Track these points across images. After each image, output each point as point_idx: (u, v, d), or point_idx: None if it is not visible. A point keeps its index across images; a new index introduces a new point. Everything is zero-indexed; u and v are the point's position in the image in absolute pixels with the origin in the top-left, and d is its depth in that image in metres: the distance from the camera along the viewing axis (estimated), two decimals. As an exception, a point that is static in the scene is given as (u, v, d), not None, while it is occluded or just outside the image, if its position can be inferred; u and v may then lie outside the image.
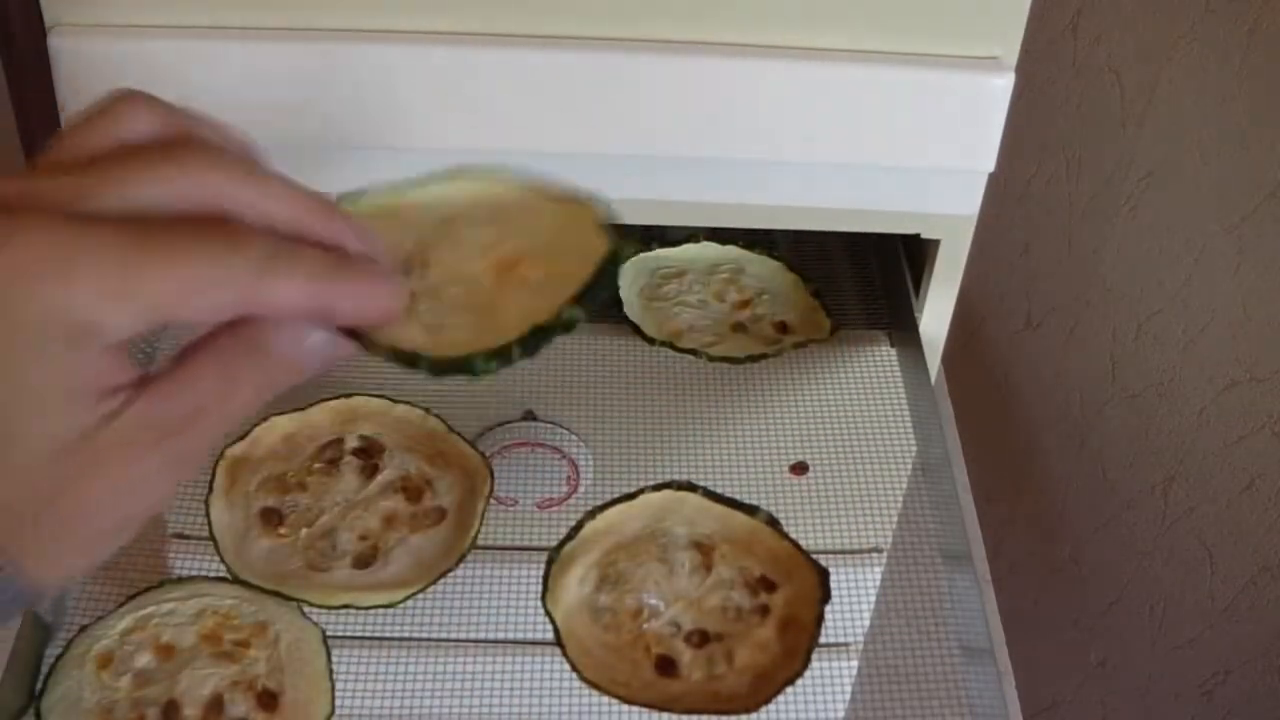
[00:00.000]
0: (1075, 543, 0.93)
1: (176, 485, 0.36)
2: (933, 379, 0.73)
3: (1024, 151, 0.95)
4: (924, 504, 0.64)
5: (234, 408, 0.36)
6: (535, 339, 0.39)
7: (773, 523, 0.61)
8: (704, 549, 0.60)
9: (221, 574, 0.58)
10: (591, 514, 0.61)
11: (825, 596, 0.58)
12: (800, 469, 0.65)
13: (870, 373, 0.71)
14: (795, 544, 0.60)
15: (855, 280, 0.78)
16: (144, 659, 0.55)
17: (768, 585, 0.59)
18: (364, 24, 0.61)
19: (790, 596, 0.58)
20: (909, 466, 0.66)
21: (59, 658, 0.55)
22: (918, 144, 0.65)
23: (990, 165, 0.66)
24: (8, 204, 0.33)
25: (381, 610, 0.58)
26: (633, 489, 0.62)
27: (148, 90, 0.62)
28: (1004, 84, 0.64)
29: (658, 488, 0.62)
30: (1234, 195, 0.73)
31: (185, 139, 0.38)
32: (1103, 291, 0.88)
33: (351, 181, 0.66)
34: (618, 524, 0.61)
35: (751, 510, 0.62)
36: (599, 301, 0.41)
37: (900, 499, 0.64)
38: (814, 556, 0.60)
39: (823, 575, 0.59)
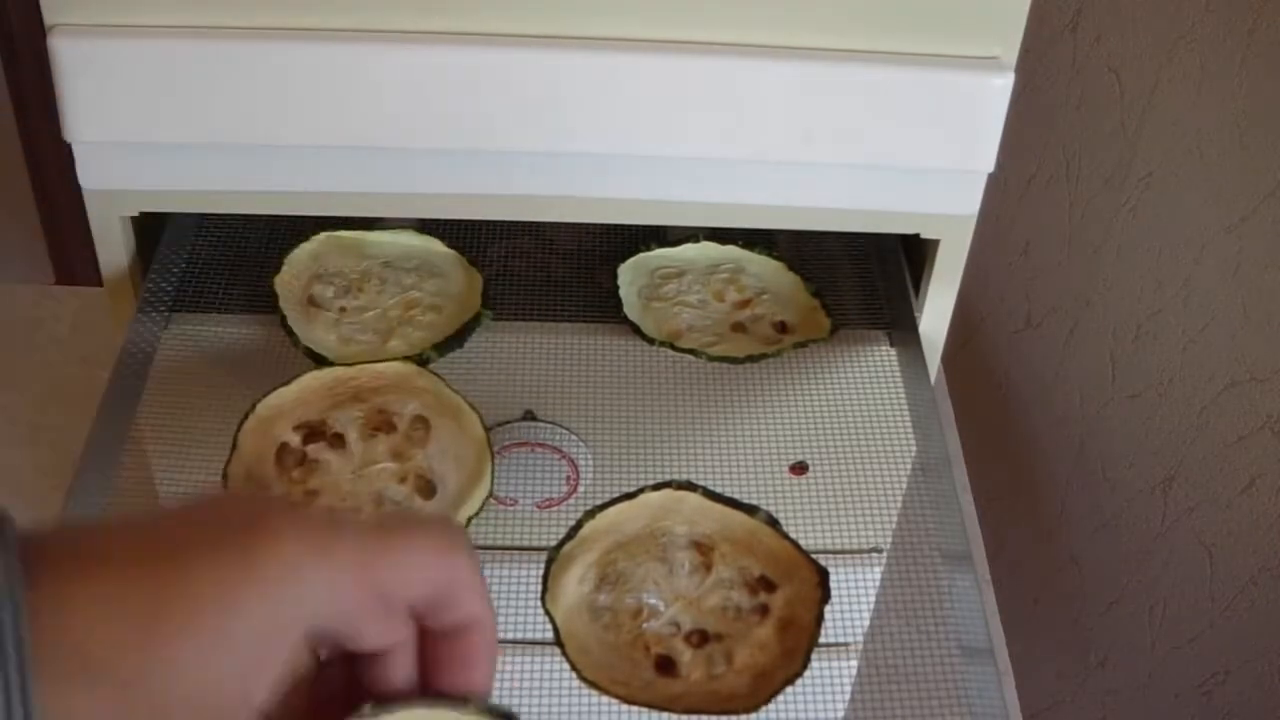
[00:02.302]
0: (1075, 543, 0.93)
1: None
2: (933, 379, 0.73)
3: (1024, 151, 0.95)
4: (924, 504, 0.64)
5: None
6: None
7: (772, 523, 0.61)
8: (703, 549, 0.60)
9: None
10: (591, 514, 0.61)
11: (825, 596, 0.58)
12: (800, 469, 0.65)
13: (870, 373, 0.71)
14: (795, 544, 0.60)
15: (855, 280, 0.78)
16: None
17: (767, 585, 0.59)
18: (364, 24, 0.61)
19: (790, 596, 0.58)
20: (909, 466, 0.66)
21: None
22: (917, 144, 0.65)
23: (990, 165, 0.66)
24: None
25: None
26: (633, 489, 0.62)
27: (148, 90, 0.62)
28: (1004, 84, 0.64)
29: (657, 487, 0.62)
30: (1234, 195, 0.73)
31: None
32: (1103, 291, 0.88)
33: (351, 181, 0.66)
34: (617, 524, 0.61)
35: (751, 510, 0.62)
36: None
37: (900, 499, 0.64)
38: (814, 556, 0.60)
39: (822, 575, 0.59)
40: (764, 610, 0.58)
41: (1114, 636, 0.89)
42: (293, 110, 0.62)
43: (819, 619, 0.57)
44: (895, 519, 0.64)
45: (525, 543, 0.61)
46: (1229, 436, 0.75)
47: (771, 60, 0.63)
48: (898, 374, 0.71)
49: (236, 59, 0.61)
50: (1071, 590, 0.94)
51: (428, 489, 0.61)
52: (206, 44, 0.60)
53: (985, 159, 0.66)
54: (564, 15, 0.62)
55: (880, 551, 0.62)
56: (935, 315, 0.73)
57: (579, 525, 0.61)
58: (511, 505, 0.63)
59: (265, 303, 0.69)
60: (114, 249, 0.67)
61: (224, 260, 0.75)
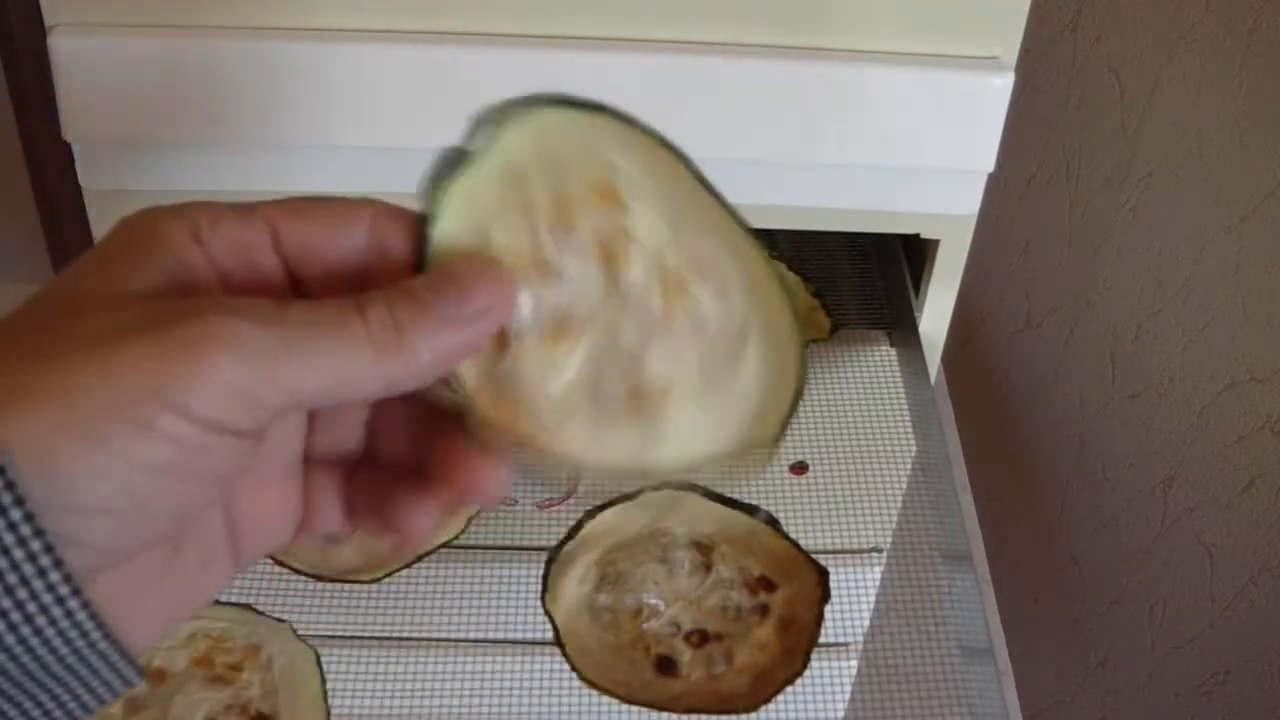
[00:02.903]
0: (1075, 543, 0.93)
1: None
2: (933, 379, 0.73)
3: (1024, 151, 0.94)
4: (924, 504, 0.64)
5: None
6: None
7: (772, 522, 0.61)
8: (703, 549, 0.60)
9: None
10: (591, 514, 0.61)
11: (825, 596, 0.58)
12: (800, 469, 0.65)
13: (870, 373, 0.71)
14: (795, 544, 0.60)
15: (855, 280, 0.78)
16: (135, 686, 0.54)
17: (767, 585, 0.59)
18: (363, 24, 0.61)
19: (790, 596, 0.58)
20: (909, 466, 0.66)
21: None
22: (918, 144, 0.65)
23: (990, 165, 0.66)
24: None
25: (381, 610, 0.58)
26: (633, 489, 0.62)
27: (148, 90, 0.62)
28: (1004, 84, 0.64)
29: (657, 487, 0.62)
30: (1234, 195, 0.73)
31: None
32: (1103, 291, 0.88)
33: (350, 183, 0.66)
34: (617, 524, 0.61)
35: (751, 510, 0.62)
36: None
37: (900, 499, 0.64)
38: (814, 556, 0.60)
39: (822, 575, 0.59)
40: (764, 610, 0.58)
41: (1114, 636, 0.89)
42: (292, 110, 0.62)
43: (819, 619, 0.57)
44: (895, 519, 0.64)
45: (525, 543, 0.61)
46: (1229, 436, 0.75)
47: (771, 60, 0.63)
48: (898, 374, 0.71)
49: (237, 59, 0.61)
50: (1071, 590, 0.94)
51: None
52: (206, 44, 0.60)
53: (985, 159, 0.66)
54: (563, 15, 0.62)
55: (880, 551, 0.62)
56: (935, 315, 0.73)
57: (579, 525, 0.61)
58: (511, 505, 0.63)
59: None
60: (114, 249, 0.67)
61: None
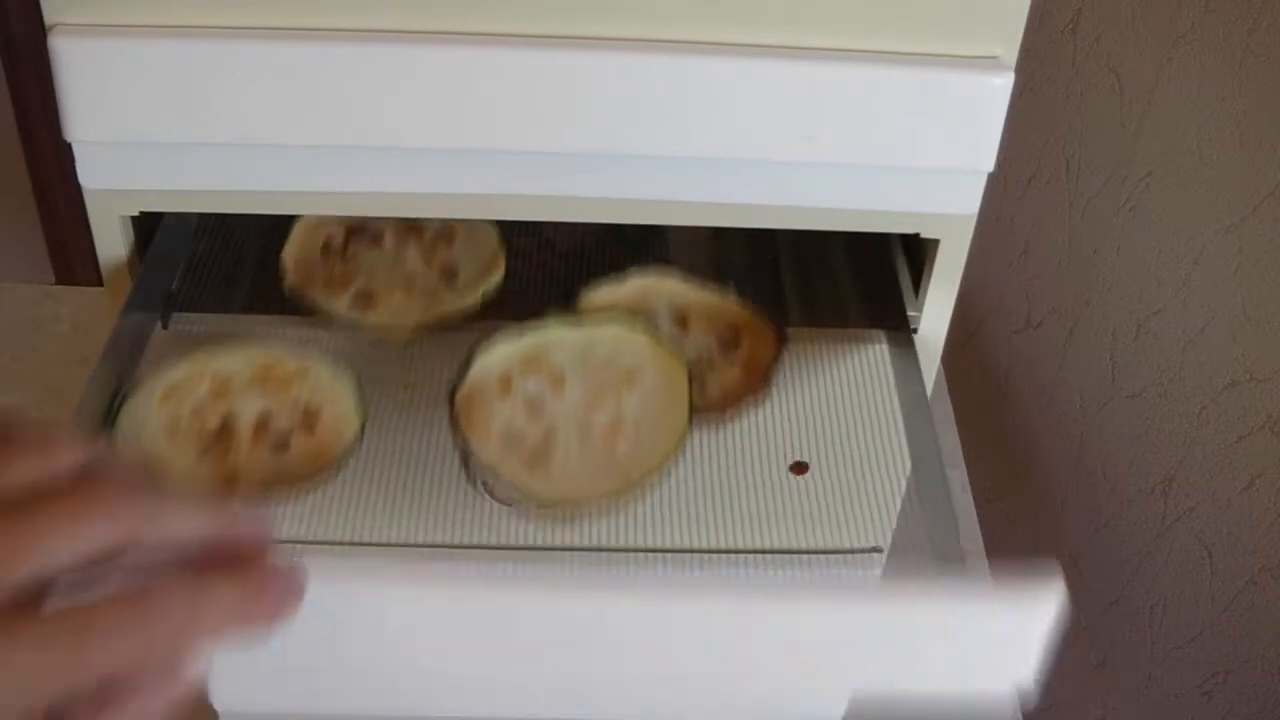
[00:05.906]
0: (1075, 543, 0.93)
1: None
2: (932, 379, 0.73)
3: (1024, 151, 0.95)
4: (924, 504, 0.64)
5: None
6: None
7: (739, 295, 0.70)
8: (680, 316, 0.70)
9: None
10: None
11: (783, 340, 0.68)
12: (800, 469, 0.65)
13: (870, 372, 0.71)
14: (757, 309, 0.70)
15: (855, 280, 0.78)
16: (202, 391, 0.64)
17: (734, 338, 0.69)
18: (364, 24, 0.61)
19: (753, 345, 0.69)
20: (909, 466, 0.66)
21: (126, 396, 0.62)
22: (917, 144, 0.65)
23: (990, 165, 0.66)
24: None
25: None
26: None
27: (148, 90, 0.62)
28: (1003, 83, 0.64)
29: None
30: (1234, 195, 0.73)
31: (95, 478, 0.36)
32: (1103, 291, 0.88)
33: (350, 182, 0.66)
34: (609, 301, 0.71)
35: (721, 288, 0.71)
36: None
37: (900, 499, 0.64)
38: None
39: (779, 329, 0.69)
40: (731, 354, 0.68)
41: (1114, 636, 0.89)
42: (293, 110, 0.62)
43: (777, 355, 0.67)
44: (895, 519, 0.64)
45: (524, 543, 0.61)
46: (1229, 436, 0.75)
47: (771, 60, 0.63)
48: (897, 373, 0.71)
49: (236, 59, 0.61)
50: (1071, 590, 0.94)
51: (451, 273, 0.72)
52: (206, 44, 0.60)
53: (985, 159, 0.66)
54: (562, 15, 0.62)
55: (880, 551, 0.62)
56: (935, 315, 0.73)
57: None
58: (510, 505, 0.63)
59: (264, 304, 0.70)
60: (114, 248, 0.67)
61: (223, 259, 0.75)
